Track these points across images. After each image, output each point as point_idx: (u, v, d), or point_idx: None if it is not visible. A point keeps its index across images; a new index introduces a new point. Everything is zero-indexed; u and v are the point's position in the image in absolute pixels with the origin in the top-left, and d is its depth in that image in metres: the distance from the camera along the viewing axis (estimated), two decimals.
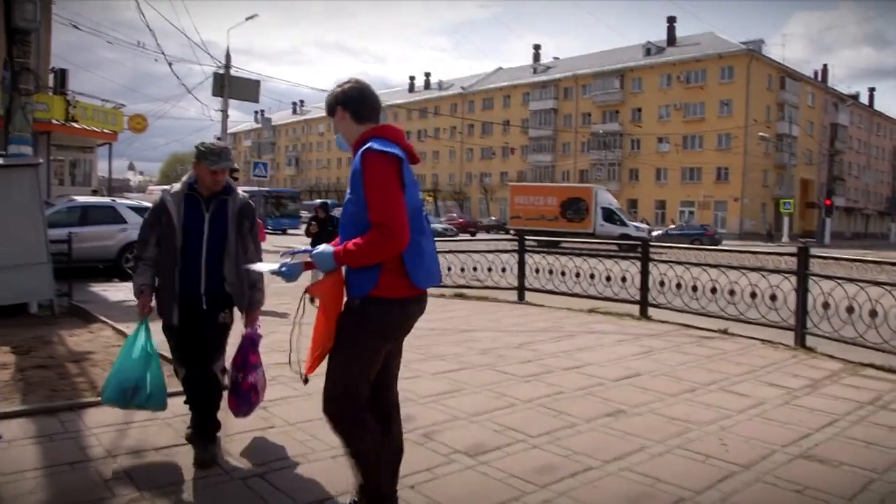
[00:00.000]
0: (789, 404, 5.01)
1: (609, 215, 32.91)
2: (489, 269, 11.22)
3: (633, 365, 6.19)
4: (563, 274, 10.41)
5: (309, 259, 2.74)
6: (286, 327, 7.43)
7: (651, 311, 9.10)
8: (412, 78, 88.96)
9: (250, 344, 3.77)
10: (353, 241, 2.58)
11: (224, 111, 23.78)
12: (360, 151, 2.63)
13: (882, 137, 77.74)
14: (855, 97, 68.27)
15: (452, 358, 6.30)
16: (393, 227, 2.51)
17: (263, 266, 3.12)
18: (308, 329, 2.77)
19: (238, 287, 3.65)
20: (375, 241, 2.52)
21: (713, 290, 8.25)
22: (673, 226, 44.19)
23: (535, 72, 72.62)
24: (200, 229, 3.56)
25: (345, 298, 2.75)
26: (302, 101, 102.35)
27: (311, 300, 2.76)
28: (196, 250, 3.55)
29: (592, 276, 9.95)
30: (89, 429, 3.99)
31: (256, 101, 24.85)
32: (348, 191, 2.69)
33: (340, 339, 2.70)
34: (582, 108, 64.66)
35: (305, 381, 2.84)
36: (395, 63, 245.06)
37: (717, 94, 54.93)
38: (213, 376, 3.61)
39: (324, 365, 2.74)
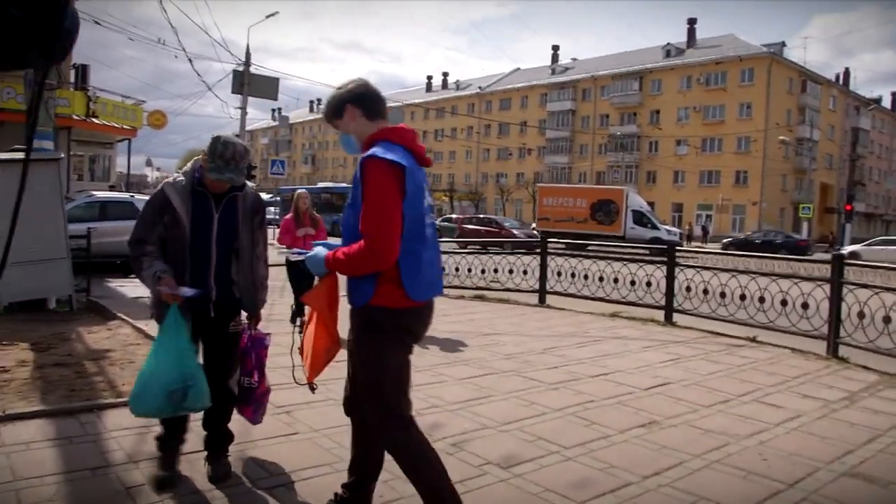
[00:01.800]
0: (827, 417, 4.84)
1: (640, 218, 32.42)
2: (510, 271, 11.09)
3: (663, 373, 6.04)
4: (585, 277, 10.24)
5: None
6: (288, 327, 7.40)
7: (676, 317, 8.91)
8: (429, 77, 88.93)
9: (262, 346, 3.51)
10: (344, 249, 2.51)
11: (243, 109, 23.74)
12: (361, 158, 2.52)
13: None
14: (877, 101, 67.35)
15: (477, 363, 6.17)
16: (378, 240, 2.40)
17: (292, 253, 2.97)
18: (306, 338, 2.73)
19: (249, 290, 3.35)
20: (360, 253, 2.44)
21: (742, 297, 8.06)
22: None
23: (553, 73, 72.31)
24: (209, 229, 3.20)
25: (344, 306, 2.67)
26: (319, 100, 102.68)
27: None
28: (205, 253, 3.20)
29: (616, 281, 9.79)
30: (109, 432, 3.88)
31: (275, 98, 24.78)
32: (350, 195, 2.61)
33: (359, 356, 2.63)
34: (600, 110, 64.28)
35: (313, 389, 2.80)
36: (410, 62, 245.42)
37: (737, 96, 54.41)
38: (229, 391, 3.36)
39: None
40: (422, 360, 6.16)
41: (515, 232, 28.53)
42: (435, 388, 5.18)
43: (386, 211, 2.43)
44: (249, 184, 3.44)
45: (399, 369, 2.64)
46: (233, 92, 23.57)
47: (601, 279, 10.00)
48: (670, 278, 9.05)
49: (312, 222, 7.91)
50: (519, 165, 70.72)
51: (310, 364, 2.72)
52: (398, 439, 2.60)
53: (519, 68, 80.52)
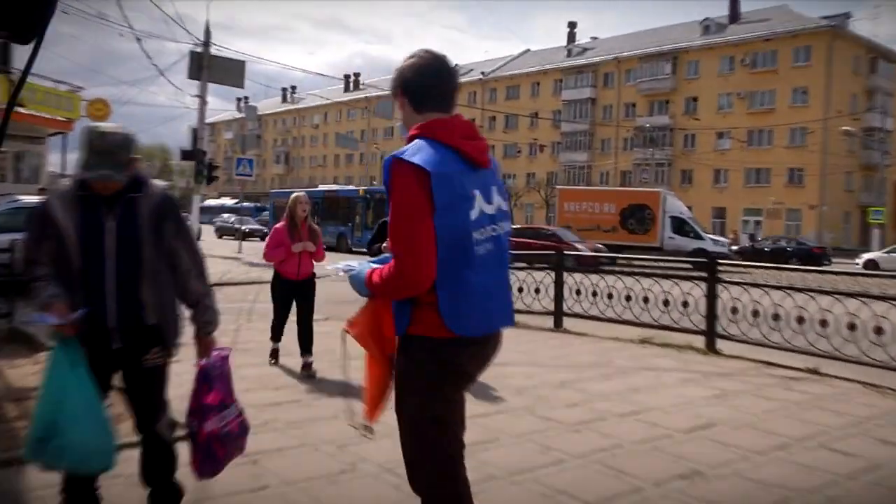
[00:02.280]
0: None
1: (680, 226, 32.80)
2: (520, 290, 11.05)
3: (706, 412, 6.00)
4: (609, 297, 10.22)
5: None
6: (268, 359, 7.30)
7: (720, 344, 8.88)
8: None
9: (203, 380, 3.29)
10: (379, 268, 2.50)
11: (202, 97, 23.75)
12: (386, 159, 2.49)
13: None
14: None
15: (482, 398, 6.10)
16: (404, 260, 2.38)
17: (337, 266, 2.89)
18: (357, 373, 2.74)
19: (165, 314, 3.21)
20: (390, 275, 2.42)
21: (800, 320, 8.01)
22: None
23: (569, 54, 72.81)
24: (100, 241, 3.06)
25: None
26: (293, 88, 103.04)
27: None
28: (98, 271, 3.06)
29: (646, 300, 9.76)
30: (32, 491, 3.78)
31: (241, 85, 24.79)
32: None
33: (399, 389, 2.60)
34: (625, 98, 64.67)
35: (370, 431, 2.82)
36: (401, 43, 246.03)
37: (790, 80, 54.71)
38: (157, 438, 3.25)
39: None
40: None
41: (579, 247, 26.21)
42: None
43: (411, 225, 2.39)
44: (158, 182, 3.32)
45: (440, 409, 2.57)
46: (189, 77, 23.59)
47: (628, 298, 9.98)
48: (711, 297, 9.01)
49: (311, 235, 7.36)
50: (529, 164, 71.00)
51: (368, 402, 2.76)
52: (432, 492, 2.59)
53: (529, 50, 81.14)
